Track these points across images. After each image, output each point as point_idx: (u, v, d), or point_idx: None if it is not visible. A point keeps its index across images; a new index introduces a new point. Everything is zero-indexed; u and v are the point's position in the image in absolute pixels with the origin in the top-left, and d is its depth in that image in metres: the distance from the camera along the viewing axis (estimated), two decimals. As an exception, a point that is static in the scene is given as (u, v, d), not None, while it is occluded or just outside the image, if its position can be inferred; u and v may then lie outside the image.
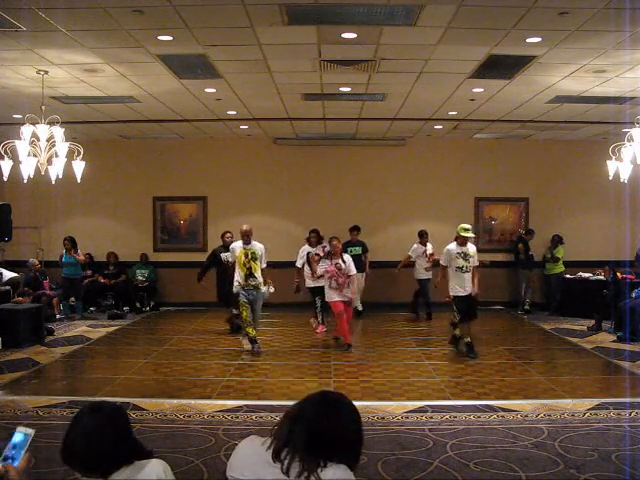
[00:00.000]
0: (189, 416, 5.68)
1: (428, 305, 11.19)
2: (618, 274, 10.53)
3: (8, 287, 10.18)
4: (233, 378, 7.18)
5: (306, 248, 10.11)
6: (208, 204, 13.00)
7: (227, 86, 8.43)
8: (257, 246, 8.41)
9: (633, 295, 9.63)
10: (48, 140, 7.71)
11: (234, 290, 8.38)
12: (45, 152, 7.71)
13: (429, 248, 11.23)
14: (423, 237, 11.32)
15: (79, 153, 8.20)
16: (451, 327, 8.83)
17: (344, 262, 8.53)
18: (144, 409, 5.86)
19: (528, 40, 6.36)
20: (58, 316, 11.16)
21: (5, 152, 7.80)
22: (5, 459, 1.99)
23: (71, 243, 11.32)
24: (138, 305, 12.14)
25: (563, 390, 6.56)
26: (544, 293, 12.69)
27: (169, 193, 12.99)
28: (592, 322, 10.23)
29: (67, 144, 7.88)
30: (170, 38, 6.35)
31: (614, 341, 9.21)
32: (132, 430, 2.27)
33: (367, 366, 7.77)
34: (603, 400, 6.10)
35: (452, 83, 8.26)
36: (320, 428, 1.96)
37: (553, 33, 6.15)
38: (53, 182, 8.08)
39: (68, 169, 8.25)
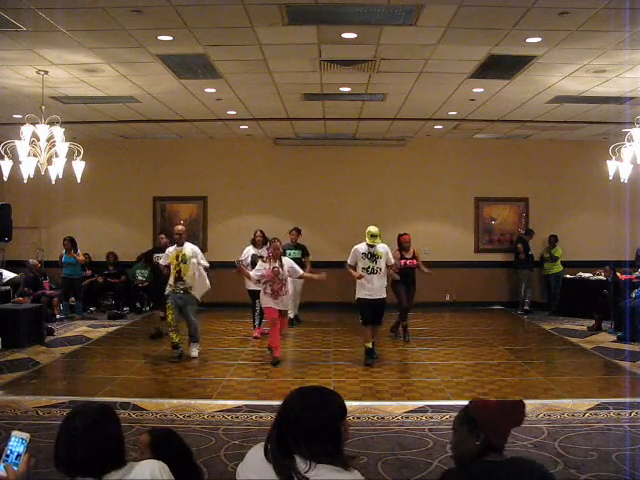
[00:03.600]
0: (189, 416, 5.68)
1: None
2: (618, 274, 10.54)
3: (8, 287, 10.18)
4: (233, 378, 7.18)
5: (250, 249, 9.57)
6: (208, 204, 13.00)
7: (227, 86, 8.43)
8: (188, 247, 8.15)
9: (633, 295, 9.63)
10: (48, 140, 7.71)
11: (165, 292, 8.15)
12: (45, 152, 7.71)
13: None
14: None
15: (79, 153, 8.20)
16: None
17: (282, 266, 7.83)
18: (144, 409, 5.86)
19: (528, 40, 6.36)
20: (58, 316, 11.14)
21: (5, 152, 7.80)
22: (4, 463, 2.00)
23: (71, 243, 11.32)
24: (138, 305, 12.15)
25: (563, 390, 6.56)
26: (544, 293, 12.71)
27: (169, 193, 12.98)
28: (592, 322, 10.24)
29: (67, 144, 7.88)
30: (170, 38, 6.35)
31: (614, 341, 9.21)
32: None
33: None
34: (603, 400, 6.10)
35: (452, 83, 8.26)
36: (291, 420, 2.02)
37: (553, 33, 6.15)
38: (53, 182, 8.09)
39: (68, 169, 8.25)
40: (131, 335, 10.05)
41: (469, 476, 2.22)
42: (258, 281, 8.00)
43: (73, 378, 7.54)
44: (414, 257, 9.39)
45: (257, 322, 9.74)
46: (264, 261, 8.01)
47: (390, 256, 7.96)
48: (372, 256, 7.75)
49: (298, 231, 10.94)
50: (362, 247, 7.85)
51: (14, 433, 2.09)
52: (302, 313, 11.25)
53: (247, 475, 2.09)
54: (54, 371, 7.75)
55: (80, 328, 10.36)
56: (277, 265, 7.83)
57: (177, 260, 8.04)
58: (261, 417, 5.63)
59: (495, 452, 2.26)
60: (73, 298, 11.46)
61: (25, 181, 7.77)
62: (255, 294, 9.16)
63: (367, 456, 4.66)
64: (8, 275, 10.61)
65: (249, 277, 8.09)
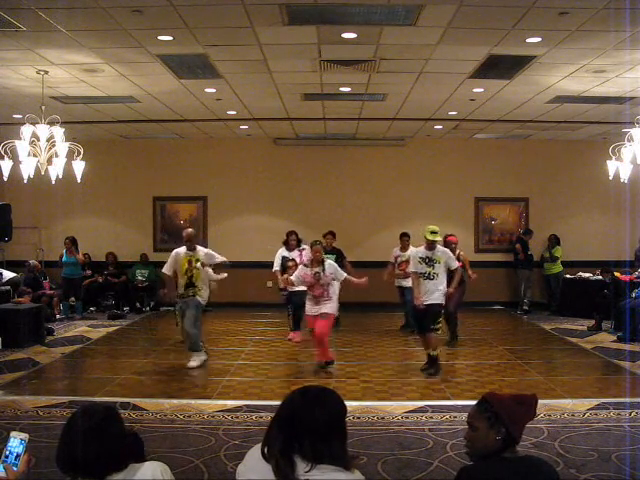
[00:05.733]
0: (189, 416, 5.67)
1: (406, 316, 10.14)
2: (617, 274, 10.52)
3: (8, 287, 10.18)
4: (233, 378, 7.18)
5: (282, 252, 9.26)
6: (208, 204, 13.01)
7: (227, 86, 8.43)
8: (202, 252, 7.71)
9: (633, 295, 9.63)
10: (48, 140, 7.72)
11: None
12: (45, 152, 7.72)
13: (404, 254, 9.86)
14: (403, 240, 10.10)
15: (79, 153, 8.21)
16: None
17: (324, 270, 7.26)
18: (144, 409, 5.85)
19: (528, 40, 6.37)
20: (58, 316, 11.15)
21: (5, 152, 7.80)
22: (4, 463, 2.00)
23: (72, 243, 11.32)
24: (138, 305, 12.15)
25: (563, 390, 6.56)
26: (544, 293, 12.71)
27: (169, 193, 12.99)
28: (592, 322, 10.24)
29: (67, 144, 7.89)
30: (170, 38, 6.35)
31: (614, 341, 9.20)
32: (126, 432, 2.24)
33: (367, 366, 7.77)
34: (603, 400, 6.10)
35: (452, 83, 8.26)
36: (296, 420, 2.01)
37: (553, 33, 6.15)
38: (53, 182, 8.10)
39: (68, 169, 8.26)
40: (131, 335, 10.05)
41: (489, 473, 2.21)
42: (292, 285, 7.61)
43: (73, 378, 7.54)
44: (458, 259, 8.47)
45: (291, 325, 8.98)
46: (306, 265, 7.47)
47: (452, 261, 7.44)
48: (430, 260, 7.24)
49: (333, 235, 10.26)
50: (420, 251, 7.37)
51: (13, 434, 2.08)
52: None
53: (247, 475, 2.09)
54: (54, 371, 7.75)
55: (80, 328, 10.36)
56: (319, 270, 7.27)
57: (190, 265, 7.57)
58: (261, 417, 5.62)
59: (512, 448, 2.25)
60: (73, 298, 11.46)
61: (25, 181, 7.77)
62: (290, 297, 8.77)
63: (367, 456, 4.66)
64: (8, 275, 10.61)
65: (292, 284, 7.57)
